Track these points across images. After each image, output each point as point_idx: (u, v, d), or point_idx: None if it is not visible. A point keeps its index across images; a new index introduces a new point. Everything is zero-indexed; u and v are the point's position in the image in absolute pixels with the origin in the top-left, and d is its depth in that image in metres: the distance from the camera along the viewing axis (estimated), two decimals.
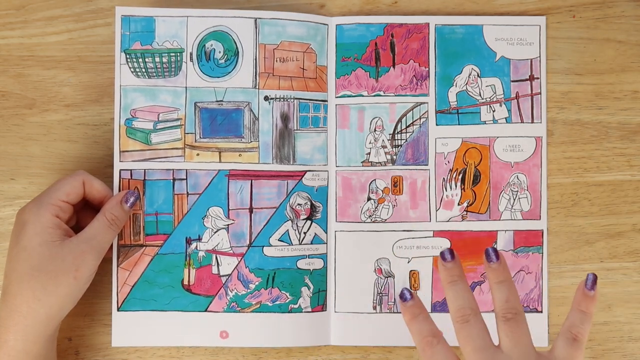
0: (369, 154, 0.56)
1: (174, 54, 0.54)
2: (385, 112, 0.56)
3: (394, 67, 0.56)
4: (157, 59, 0.54)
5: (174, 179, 0.54)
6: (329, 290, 0.55)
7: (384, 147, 0.56)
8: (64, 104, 0.55)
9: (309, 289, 0.54)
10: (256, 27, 0.54)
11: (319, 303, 0.54)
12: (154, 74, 0.54)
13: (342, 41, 0.56)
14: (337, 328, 0.55)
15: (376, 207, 0.55)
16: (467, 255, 0.55)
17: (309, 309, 0.54)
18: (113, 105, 0.55)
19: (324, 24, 0.55)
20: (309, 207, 0.55)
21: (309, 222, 0.55)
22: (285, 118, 0.54)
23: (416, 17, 0.56)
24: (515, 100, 0.55)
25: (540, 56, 0.55)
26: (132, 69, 0.54)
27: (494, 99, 0.56)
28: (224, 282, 0.54)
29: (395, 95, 0.56)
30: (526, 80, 0.56)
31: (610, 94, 0.55)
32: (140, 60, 0.54)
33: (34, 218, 0.47)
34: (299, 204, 0.55)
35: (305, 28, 0.54)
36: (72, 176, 0.50)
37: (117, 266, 0.53)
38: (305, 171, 0.55)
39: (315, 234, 0.55)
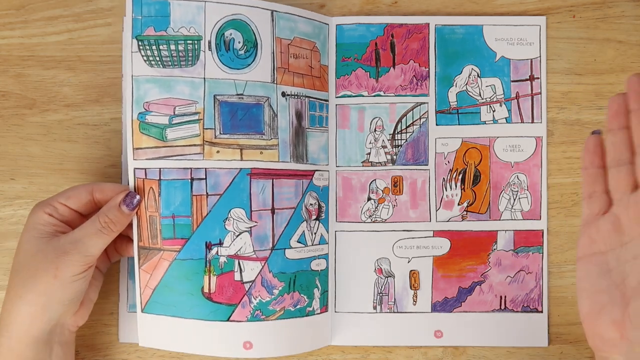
0: (369, 154, 0.56)
1: (190, 42, 0.50)
2: (385, 112, 0.56)
3: (394, 67, 0.56)
4: (173, 47, 0.49)
5: (192, 179, 0.50)
6: (330, 291, 0.55)
7: (384, 147, 0.56)
8: (64, 104, 0.55)
9: (318, 290, 0.54)
10: (273, 20, 0.52)
11: (324, 304, 0.54)
12: (169, 63, 0.49)
13: (342, 41, 0.56)
14: (337, 328, 0.55)
15: (376, 207, 0.55)
16: (467, 255, 0.55)
17: (319, 311, 0.54)
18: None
19: (325, 24, 0.55)
20: (317, 207, 0.54)
21: (317, 222, 0.54)
22: (299, 116, 0.53)
23: (416, 17, 0.56)
24: (516, 100, 0.56)
25: (540, 56, 0.55)
26: (145, 57, 0.49)
27: (494, 99, 0.56)
28: (247, 289, 0.50)
29: (395, 96, 0.56)
30: (526, 80, 0.56)
31: (610, 94, 0.55)
32: (154, 47, 0.49)
33: (30, 215, 0.47)
34: (311, 204, 0.53)
35: (311, 26, 0.54)
36: (82, 184, 0.49)
37: (139, 267, 0.49)
38: (314, 171, 0.54)
39: (321, 234, 0.54)
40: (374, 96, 0.56)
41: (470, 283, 0.55)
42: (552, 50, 0.56)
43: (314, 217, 0.54)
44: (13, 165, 0.55)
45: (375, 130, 0.56)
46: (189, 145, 0.50)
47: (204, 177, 0.50)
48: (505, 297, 0.55)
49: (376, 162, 0.56)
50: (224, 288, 0.50)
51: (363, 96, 0.56)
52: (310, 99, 0.54)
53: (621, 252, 0.40)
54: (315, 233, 0.54)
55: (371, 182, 0.55)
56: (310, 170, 0.53)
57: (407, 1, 0.56)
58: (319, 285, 0.54)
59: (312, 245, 0.53)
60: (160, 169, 0.49)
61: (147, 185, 0.49)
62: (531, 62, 0.55)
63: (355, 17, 0.56)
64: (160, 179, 0.49)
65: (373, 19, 0.56)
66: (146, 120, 0.49)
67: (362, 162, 0.56)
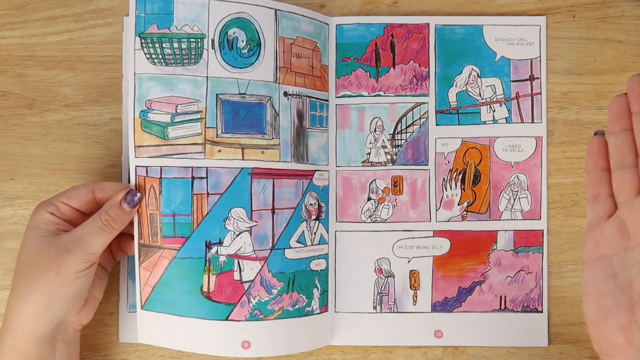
0: (369, 154, 0.56)
1: (194, 40, 0.49)
2: (385, 112, 0.56)
3: (394, 67, 0.56)
4: (176, 45, 0.49)
5: (193, 178, 0.49)
6: (330, 290, 0.55)
7: (384, 147, 0.56)
8: (64, 104, 0.55)
9: (318, 290, 0.54)
10: (276, 19, 0.51)
11: (324, 304, 0.54)
12: (172, 61, 0.49)
13: (342, 41, 0.56)
14: (337, 328, 0.55)
15: (376, 207, 0.55)
16: (467, 255, 0.55)
17: (318, 311, 0.54)
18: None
19: (325, 24, 0.55)
20: (317, 207, 0.54)
21: (317, 222, 0.54)
22: (300, 116, 0.53)
23: (416, 17, 0.56)
24: (516, 100, 0.56)
25: (540, 56, 0.55)
26: (147, 55, 0.49)
27: (494, 99, 0.56)
28: (246, 288, 0.50)
29: (395, 96, 0.56)
30: (526, 80, 0.56)
31: (610, 94, 0.55)
32: (157, 45, 0.49)
33: (33, 214, 0.47)
34: (311, 204, 0.53)
35: (313, 26, 0.54)
36: (84, 184, 0.49)
37: (139, 265, 0.49)
38: (315, 171, 0.54)
39: (321, 234, 0.54)
40: (374, 96, 0.56)
41: (470, 283, 0.55)
42: (552, 50, 0.56)
43: (313, 217, 0.54)
44: (13, 165, 0.55)
45: (375, 130, 0.56)
46: (191, 144, 0.49)
47: (205, 176, 0.50)
48: (505, 297, 0.55)
49: (376, 162, 0.56)
50: (223, 287, 0.50)
51: (363, 96, 0.56)
52: (311, 98, 0.54)
53: (627, 256, 0.39)
54: (315, 233, 0.54)
55: (371, 182, 0.55)
56: (311, 170, 0.53)
57: (407, 1, 0.56)
58: (318, 285, 0.54)
59: (312, 245, 0.53)
60: (161, 167, 0.49)
61: (148, 183, 0.49)
62: (531, 62, 0.55)
63: (355, 17, 0.56)
64: (161, 177, 0.49)
65: (373, 19, 0.56)
66: (148, 118, 0.49)
67: (362, 162, 0.56)
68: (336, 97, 0.56)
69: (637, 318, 0.37)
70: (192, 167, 0.49)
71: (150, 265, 0.49)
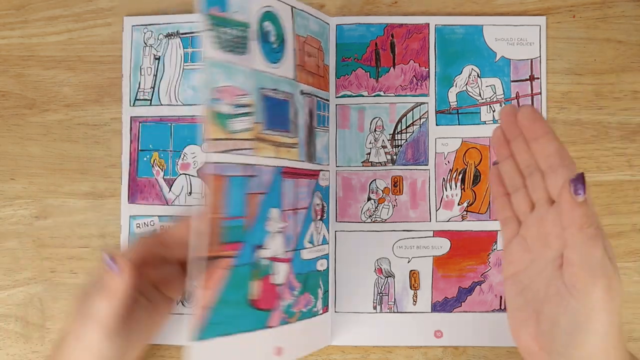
0: (369, 154, 0.56)
1: (243, 28, 0.45)
2: (385, 112, 0.56)
3: (394, 67, 0.56)
4: (232, 31, 0.44)
5: (250, 176, 0.45)
6: (330, 290, 0.55)
7: (384, 147, 0.56)
8: (64, 104, 0.55)
9: (321, 290, 0.53)
10: (292, 16, 0.50)
11: (325, 304, 0.54)
12: (229, 49, 0.44)
13: (343, 41, 0.56)
14: (337, 328, 0.55)
15: (376, 207, 0.55)
16: (467, 255, 0.55)
17: (321, 311, 0.53)
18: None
19: (326, 23, 0.55)
20: (321, 207, 0.54)
21: (321, 222, 0.54)
22: (311, 115, 0.52)
23: (416, 17, 0.56)
24: (516, 100, 0.56)
25: (540, 56, 0.55)
26: (212, 39, 0.43)
27: (494, 99, 0.56)
28: (279, 292, 0.47)
29: (395, 96, 0.56)
30: (526, 80, 0.56)
31: (610, 94, 0.55)
32: (219, 29, 0.43)
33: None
34: (317, 204, 0.53)
35: (318, 25, 0.54)
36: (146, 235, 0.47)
37: (197, 287, 0.42)
38: (320, 170, 0.54)
39: (323, 234, 0.54)
40: (374, 96, 0.56)
41: (470, 283, 0.55)
42: (552, 50, 0.56)
43: (319, 217, 0.53)
44: (13, 165, 0.55)
45: (375, 130, 0.56)
46: (244, 140, 0.45)
47: (255, 174, 0.46)
48: (505, 297, 0.55)
49: (376, 162, 0.56)
50: (265, 293, 0.46)
51: (363, 96, 0.56)
52: (318, 98, 0.54)
53: (530, 269, 0.42)
54: (319, 233, 0.53)
55: (371, 182, 0.55)
56: (318, 170, 0.53)
57: (407, 1, 0.56)
58: (321, 285, 0.54)
59: (317, 245, 0.53)
60: (226, 163, 0.44)
61: (216, 182, 0.43)
62: (531, 62, 0.56)
63: (355, 17, 0.56)
64: (227, 175, 0.44)
65: (373, 19, 0.56)
66: (216, 109, 0.43)
67: (362, 162, 0.56)
68: (336, 97, 0.56)
69: (541, 327, 0.40)
70: (246, 165, 0.45)
71: (208, 282, 0.42)
